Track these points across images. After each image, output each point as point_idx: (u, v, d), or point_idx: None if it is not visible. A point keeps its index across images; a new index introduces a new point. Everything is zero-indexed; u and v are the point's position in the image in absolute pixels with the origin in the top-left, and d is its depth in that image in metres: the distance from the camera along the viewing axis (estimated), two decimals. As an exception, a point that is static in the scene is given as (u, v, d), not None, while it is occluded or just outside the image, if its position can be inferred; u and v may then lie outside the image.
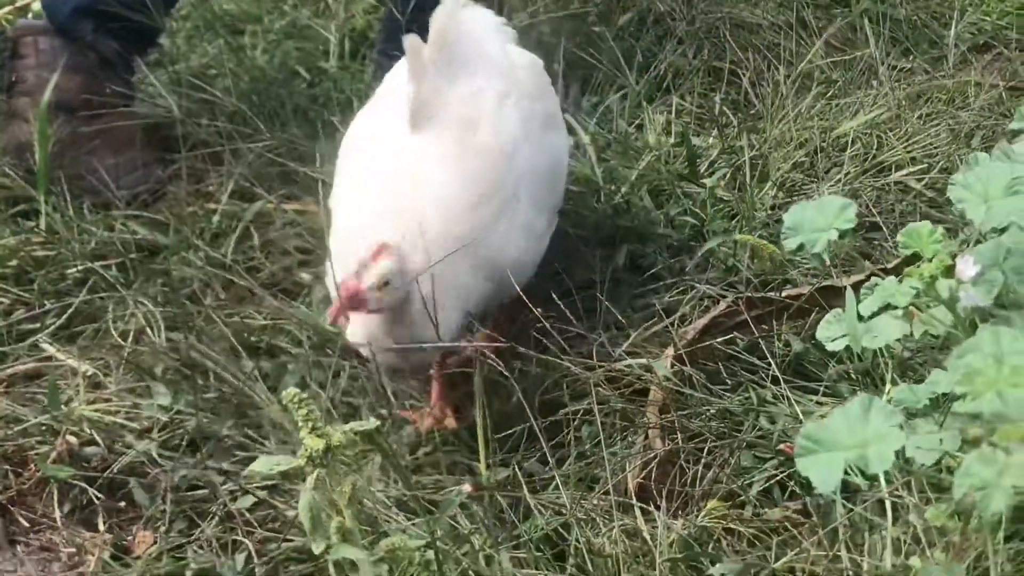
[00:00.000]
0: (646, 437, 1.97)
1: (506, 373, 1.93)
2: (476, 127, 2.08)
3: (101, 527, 1.96)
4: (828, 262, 2.26)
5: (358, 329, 1.98)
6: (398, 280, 1.91)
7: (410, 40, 2.08)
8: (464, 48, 2.16)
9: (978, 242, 1.51)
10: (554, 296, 2.07)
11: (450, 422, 2.10)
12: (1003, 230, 1.54)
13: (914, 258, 1.67)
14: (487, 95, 2.13)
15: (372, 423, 1.56)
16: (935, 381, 1.53)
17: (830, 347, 1.79)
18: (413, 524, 1.78)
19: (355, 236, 2.01)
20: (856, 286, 1.90)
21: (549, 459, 1.89)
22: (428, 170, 2.04)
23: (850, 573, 1.62)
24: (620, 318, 2.20)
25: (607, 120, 2.84)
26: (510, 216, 2.06)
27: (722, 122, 2.80)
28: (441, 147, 2.06)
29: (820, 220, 1.52)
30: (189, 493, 1.99)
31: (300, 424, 1.50)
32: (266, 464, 1.54)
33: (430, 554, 1.65)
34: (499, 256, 2.03)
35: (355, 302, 1.89)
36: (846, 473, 1.82)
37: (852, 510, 1.67)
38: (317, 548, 1.50)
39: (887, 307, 1.66)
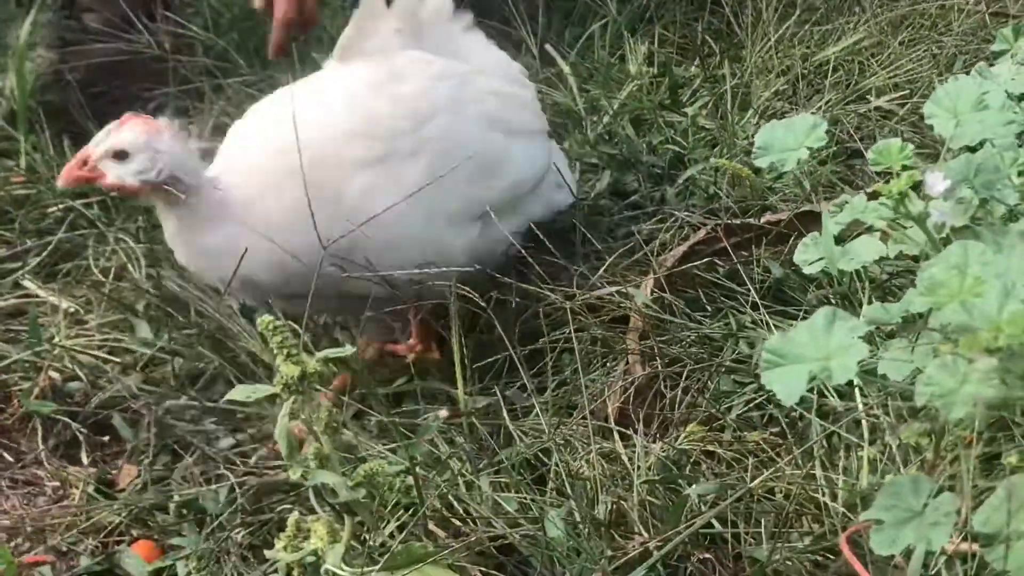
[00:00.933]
0: (626, 363, 1.98)
1: (483, 304, 1.92)
2: (400, 80, 2.00)
3: (85, 461, 1.98)
4: (809, 187, 2.28)
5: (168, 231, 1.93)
6: (146, 158, 1.83)
7: (369, 3, 2.03)
8: (432, 35, 2.10)
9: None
10: (532, 225, 2.07)
11: (433, 355, 2.10)
12: (975, 148, 1.54)
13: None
14: (428, 68, 2.05)
15: (347, 349, 1.56)
16: (908, 300, 1.53)
17: (807, 270, 1.79)
18: (392, 451, 1.79)
19: (238, 136, 1.99)
20: (835, 210, 1.90)
21: (529, 387, 1.89)
22: (329, 90, 1.99)
23: (825, 491, 1.63)
24: (598, 247, 2.20)
25: (589, 50, 2.82)
26: (392, 173, 1.92)
27: (704, 51, 2.78)
28: (355, 80, 2.00)
29: (790, 139, 1.51)
30: (173, 425, 2.00)
31: (275, 351, 1.50)
32: (244, 392, 1.55)
33: (410, 479, 1.66)
34: (356, 204, 1.88)
35: (85, 168, 1.84)
36: (823, 395, 1.84)
37: (827, 430, 1.69)
38: (294, 474, 1.51)
39: (864, 231, 1.66)
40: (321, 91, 2.01)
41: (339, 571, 1.51)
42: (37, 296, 2.27)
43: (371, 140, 1.93)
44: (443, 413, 1.81)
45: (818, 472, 1.65)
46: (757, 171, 2.23)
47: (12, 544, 1.82)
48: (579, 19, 2.95)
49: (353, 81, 2.00)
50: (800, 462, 1.68)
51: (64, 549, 1.81)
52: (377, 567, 1.50)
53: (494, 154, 2.05)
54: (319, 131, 1.90)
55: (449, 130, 2.00)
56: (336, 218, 1.85)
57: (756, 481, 1.65)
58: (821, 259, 1.75)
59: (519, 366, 1.90)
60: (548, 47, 2.73)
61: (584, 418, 1.81)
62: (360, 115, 1.95)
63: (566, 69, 2.65)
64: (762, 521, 1.64)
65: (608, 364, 2.00)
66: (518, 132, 2.12)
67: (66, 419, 2.01)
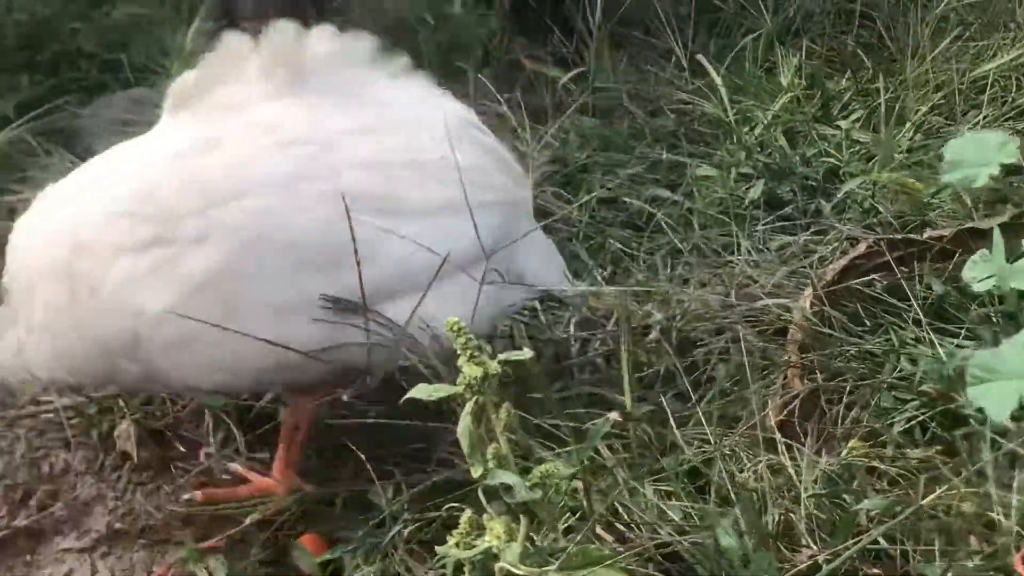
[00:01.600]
0: (786, 376, 1.98)
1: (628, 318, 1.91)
2: (212, 149, 1.70)
3: (255, 455, 2.03)
4: (969, 203, 2.26)
5: None
6: None
7: (233, 40, 1.79)
8: (321, 80, 1.80)
9: None
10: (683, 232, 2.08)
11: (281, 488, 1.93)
12: None
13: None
14: (269, 134, 1.73)
15: (526, 353, 1.59)
16: (1090, 321, 1.52)
17: (976, 287, 1.79)
18: (559, 453, 1.81)
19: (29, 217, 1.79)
20: (1001, 228, 1.88)
21: (692, 395, 1.91)
22: (125, 159, 1.76)
23: (1000, 510, 1.62)
24: (756, 258, 2.20)
25: (737, 62, 2.83)
26: (170, 261, 1.66)
27: (855, 64, 2.77)
28: (162, 145, 1.75)
29: (980, 155, 1.51)
30: (339, 422, 2.04)
31: (459, 352, 1.53)
32: (425, 391, 1.58)
33: (575, 483, 1.68)
34: (117, 297, 1.67)
35: None
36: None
37: (1002, 447, 1.67)
38: (475, 472, 1.53)
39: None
40: (117, 160, 1.78)
41: (515, 570, 1.53)
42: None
43: (139, 222, 1.66)
44: (615, 416, 1.82)
45: (992, 490, 1.64)
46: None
47: (187, 531, 1.88)
48: (724, 31, 2.96)
49: (159, 147, 1.75)
50: (973, 479, 1.67)
51: (237, 539, 1.86)
52: (553, 567, 1.53)
53: (349, 240, 1.69)
54: (90, 212, 1.70)
55: (265, 212, 1.67)
56: (100, 313, 1.67)
57: (929, 498, 1.64)
58: (991, 276, 1.74)
59: (679, 375, 1.92)
60: (700, 57, 2.74)
61: (750, 428, 1.82)
62: (137, 191, 1.69)
63: (718, 80, 2.66)
64: (933, 539, 1.63)
65: (768, 377, 2.00)
66: (422, 209, 1.77)
67: (236, 413, 2.06)
